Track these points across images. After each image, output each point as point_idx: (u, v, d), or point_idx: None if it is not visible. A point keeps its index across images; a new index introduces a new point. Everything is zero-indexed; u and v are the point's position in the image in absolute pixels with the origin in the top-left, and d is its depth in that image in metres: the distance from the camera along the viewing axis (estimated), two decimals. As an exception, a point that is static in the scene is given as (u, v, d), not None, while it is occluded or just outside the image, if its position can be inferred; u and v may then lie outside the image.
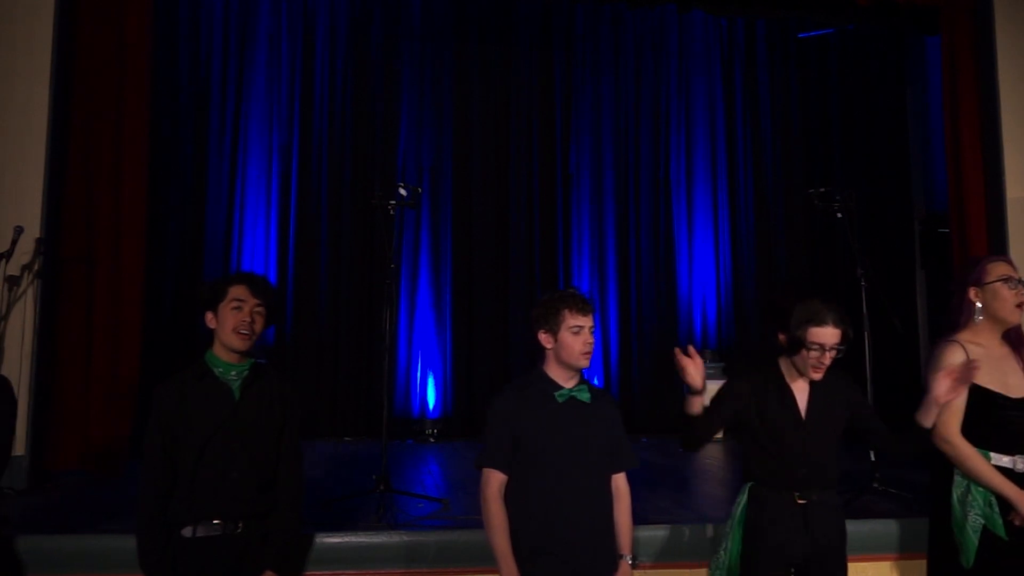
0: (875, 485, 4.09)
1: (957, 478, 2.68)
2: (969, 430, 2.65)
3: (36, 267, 4.49)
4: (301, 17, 7.31)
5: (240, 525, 2.56)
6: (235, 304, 2.61)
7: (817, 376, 2.60)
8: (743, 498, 2.69)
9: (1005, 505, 2.59)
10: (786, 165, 7.95)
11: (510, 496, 2.57)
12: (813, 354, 2.55)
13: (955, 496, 2.67)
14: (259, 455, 2.62)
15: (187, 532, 2.52)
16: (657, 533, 3.38)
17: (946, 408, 2.64)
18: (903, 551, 3.47)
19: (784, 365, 2.69)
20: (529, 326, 2.70)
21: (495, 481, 2.57)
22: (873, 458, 4.23)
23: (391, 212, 4.40)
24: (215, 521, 2.53)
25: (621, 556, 2.64)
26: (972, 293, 2.73)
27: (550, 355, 2.65)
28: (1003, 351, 2.72)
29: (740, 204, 7.94)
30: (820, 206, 4.76)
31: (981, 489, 2.62)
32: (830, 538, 2.63)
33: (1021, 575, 2.60)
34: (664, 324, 7.64)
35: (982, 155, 5.40)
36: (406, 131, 7.41)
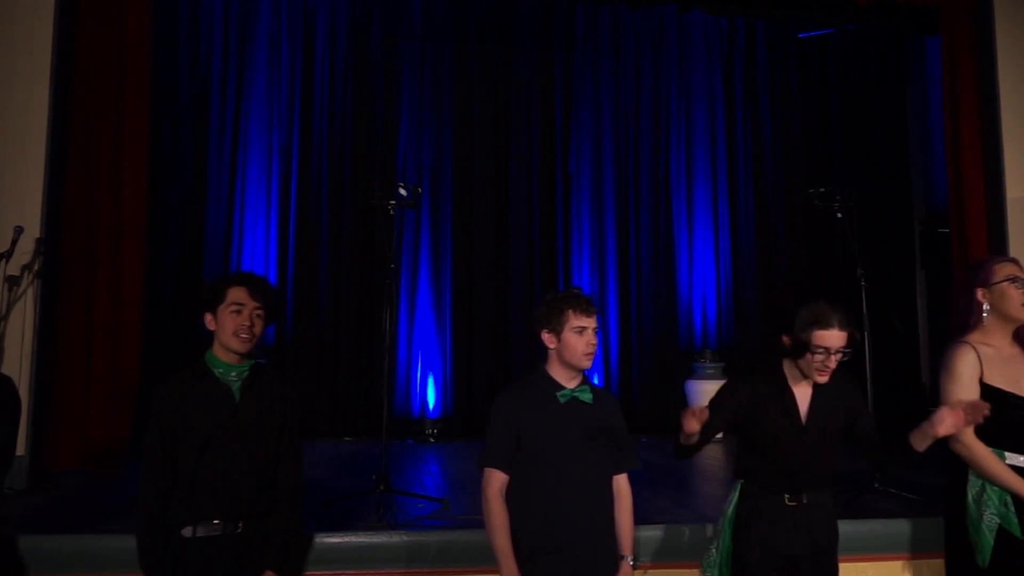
0: (875, 485, 4.09)
1: (972, 478, 2.68)
2: (982, 430, 2.65)
3: (36, 267, 4.49)
4: (301, 17, 7.31)
5: (240, 525, 2.56)
6: (234, 307, 2.60)
7: (823, 379, 2.56)
8: (734, 496, 2.68)
9: (1021, 504, 2.60)
10: (786, 165, 7.95)
11: (511, 496, 2.57)
12: (818, 357, 2.51)
13: (970, 496, 2.67)
14: (259, 455, 2.62)
15: (187, 532, 2.52)
16: (657, 533, 3.38)
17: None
18: (904, 551, 3.47)
19: (787, 367, 2.66)
20: (529, 326, 2.70)
21: (496, 481, 2.58)
22: (873, 458, 4.23)
23: (391, 212, 4.40)
24: (215, 521, 2.53)
25: (622, 557, 2.64)
26: (979, 294, 2.74)
27: (553, 355, 2.65)
28: (1013, 351, 2.72)
29: (740, 204, 7.94)
30: (820, 206, 4.76)
31: (996, 488, 2.63)
32: (822, 537, 2.63)
33: None
34: (664, 324, 7.64)
35: (982, 155, 5.40)
36: (406, 131, 7.41)
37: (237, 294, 2.62)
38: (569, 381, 2.65)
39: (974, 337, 2.73)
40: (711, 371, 7.10)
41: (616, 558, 2.62)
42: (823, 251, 7.75)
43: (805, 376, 2.62)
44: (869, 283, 4.55)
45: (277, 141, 7.18)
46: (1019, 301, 2.67)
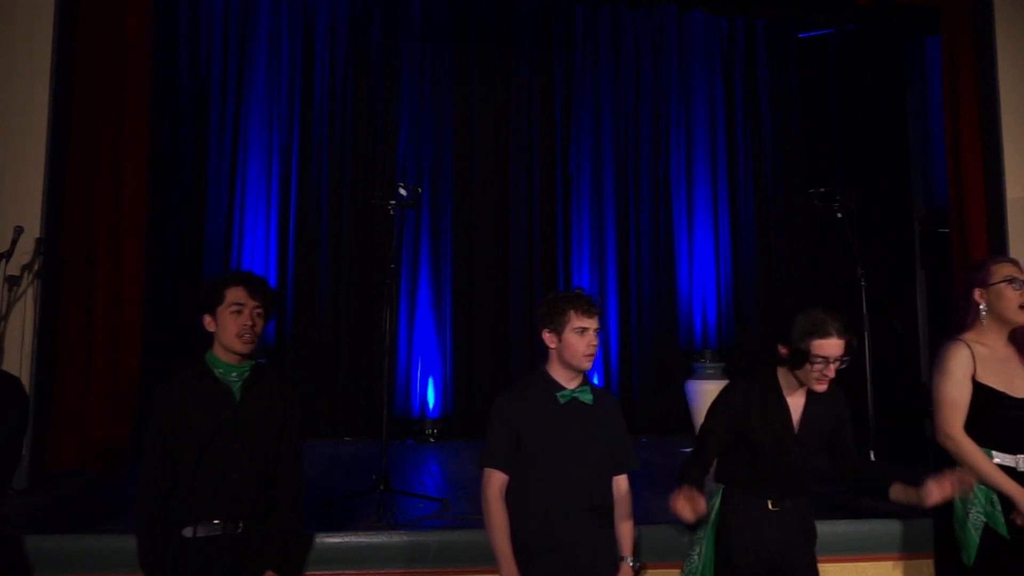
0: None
1: None
2: (973, 428, 2.66)
3: (36, 267, 4.48)
4: (301, 17, 7.31)
5: (240, 525, 2.56)
6: (234, 308, 2.60)
7: (822, 388, 2.51)
8: (716, 501, 2.66)
9: (1007, 503, 2.60)
10: (786, 165, 7.95)
11: (511, 496, 2.58)
12: (817, 367, 2.47)
13: None
14: (259, 455, 2.62)
15: (188, 532, 2.52)
16: (657, 533, 3.38)
17: (950, 406, 2.66)
18: (904, 551, 3.47)
19: (782, 376, 2.63)
20: (530, 326, 2.71)
21: (496, 481, 2.58)
22: (873, 457, 4.23)
23: (391, 212, 4.40)
24: (215, 521, 2.54)
25: (622, 558, 2.64)
26: (977, 294, 2.75)
27: (553, 355, 2.65)
28: (1008, 352, 2.73)
29: (740, 204, 7.94)
30: (820, 206, 4.76)
31: (983, 487, 2.63)
32: (804, 540, 2.64)
33: (1022, 573, 2.61)
34: (664, 324, 7.64)
35: (982, 155, 5.40)
36: (406, 131, 7.40)
37: (236, 294, 2.62)
38: (569, 381, 2.65)
39: (969, 336, 2.74)
40: (711, 371, 7.09)
41: (616, 559, 2.63)
42: (823, 251, 7.74)
43: (801, 385, 2.59)
44: (869, 283, 4.55)
45: (277, 141, 7.18)
46: (1016, 302, 2.68)
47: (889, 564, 3.47)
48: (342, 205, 7.22)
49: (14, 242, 4.33)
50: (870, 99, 7.83)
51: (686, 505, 2.29)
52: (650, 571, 3.33)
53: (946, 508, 2.72)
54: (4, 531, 2.97)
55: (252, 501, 2.59)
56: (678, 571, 3.31)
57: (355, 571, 3.24)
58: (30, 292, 4.48)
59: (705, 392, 6.40)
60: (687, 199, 7.88)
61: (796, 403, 2.63)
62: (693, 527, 2.68)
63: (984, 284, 2.74)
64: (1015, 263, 2.77)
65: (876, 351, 4.60)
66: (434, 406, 7.12)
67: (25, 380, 4.35)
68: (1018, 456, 2.64)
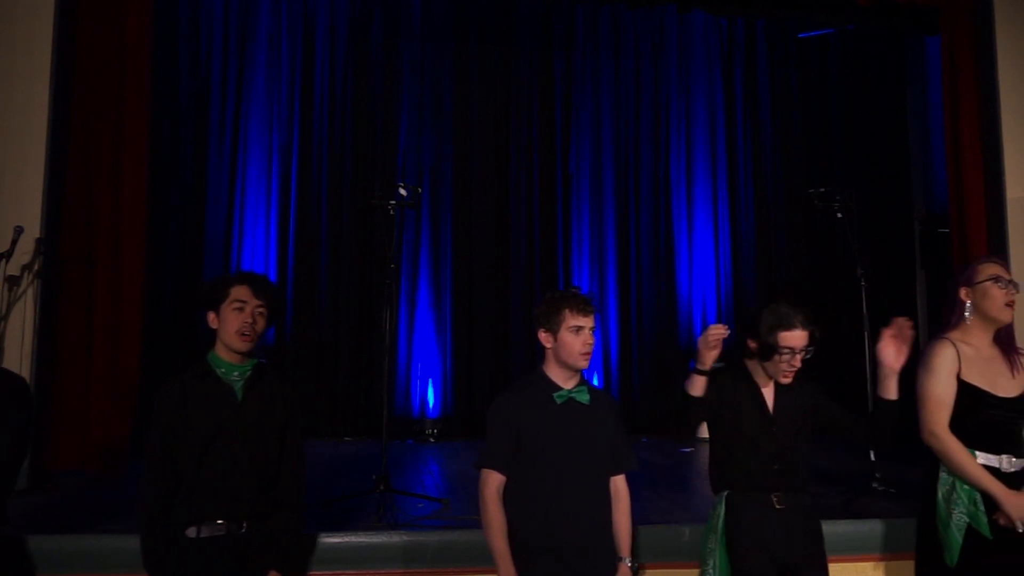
0: (875, 485, 4.09)
1: (943, 475, 2.68)
2: (957, 427, 2.66)
3: (36, 267, 4.48)
4: (301, 17, 7.31)
5: (244, 525, 2.56)
6: (237, 305, 2.60)
7: (787, 380, 2.65)
8: (720, 509, 2.67)
9: (991, 504, 2.60)
10: (786, 165, 7.95)
11: (509, 497, 2.57)
12: (784, 358, 2.59)
13: (940, 493, 2.68)
14: (261, 455, 2.62)
15: (191, 532, 2.52)
16: (657, 533, 3.38)
17: (935, 403, 2.67)
18: (904, 551, 3.46)
19: (751, 367, 2.73)
20: (530, 326, 2.70)
21: (494, 482, 2.57)
22: (873, 458, 4.23)
23: (391, 212, 4.40)
24: (219, 521, 2.53)
25: (620, 558, 2.63)
26: (963, 292, 2.76)
27: (550, 355, 2.65)
28: (993, 352, 2.74)
29: (740, 204, 7.94)
30: (820, 206, 4.76)
31: (967, 487, 2.63)
32: (812, 540, 2.64)
33: (1005, 574, 2.60)
34: (664, 324, 7.64)
35: (982, 155, 5.39)
36: (406, 131, 7.40)
37: (240, 292, 2.62)
38: (566, 381, 2.65)
39: (955, 335, 2.75)
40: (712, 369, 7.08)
41: (614, 559, 2.62)
42: (823, 251, 7.74)
43: (770, 378, 2.69)
44: (869, 283, 4.55)
45: (277, 141, 7.18)
46: (1001, 301, 2.69)
47: (888, 564, 3.47)
48: (342, 205, 7.22)
49: (14, 242, 4.33)
50: (870, 99, 7.82)
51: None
52: (648, 571, 3.33)
53: (929, 509, 2.72)
54: (5, 531, 2.97)
55: (255, 501, 2.59)
56: (677, 571, 3.33)
57: (355, 571, 3.24)
58: (30, 292, 4.48)
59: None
60: (687, 199, 7.88)
61: (767, 390, 2.73)
62: (703, 534, 2.75)
63: (970, 283, 2.75)
64: (1002, 263, 2.78)
65: (876, 351, 4.59)
66: (434, 406, 7.12)
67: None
68: (1002, 456, 2.64)
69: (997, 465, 2.64)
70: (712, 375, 2.79)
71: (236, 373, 2.64)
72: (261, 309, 2.64)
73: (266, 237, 7.09)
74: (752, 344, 2.67)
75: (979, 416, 2.64)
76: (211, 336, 2.68)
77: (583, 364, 2.62)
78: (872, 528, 3.51)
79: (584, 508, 2.55)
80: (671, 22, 7.87)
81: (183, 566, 2.50)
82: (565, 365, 2.62)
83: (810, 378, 2.78)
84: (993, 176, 5.33)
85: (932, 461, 2.73)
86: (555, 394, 2.62)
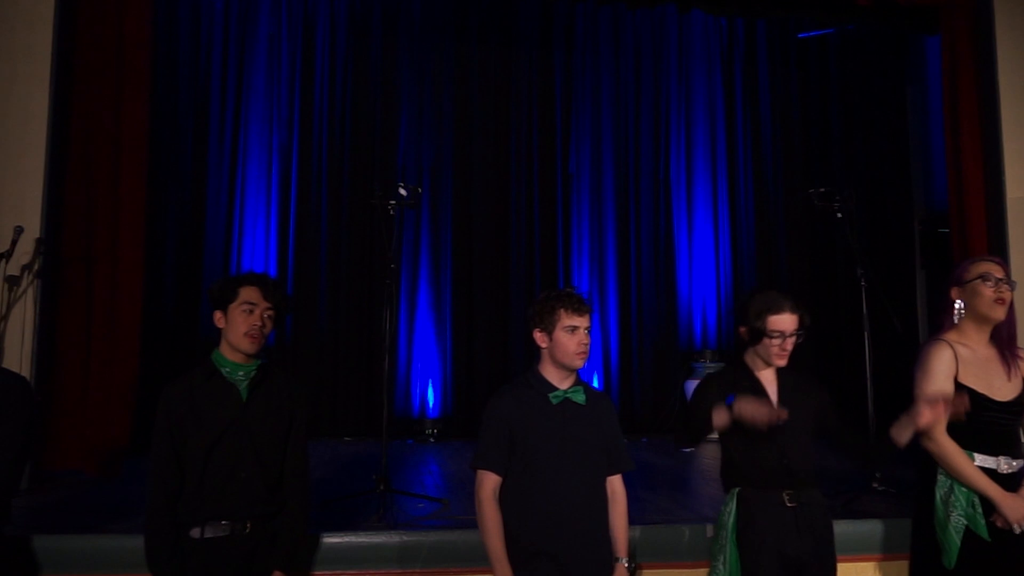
0: (875, 485, 4.09)
1: (940, 478, 2.68)
2: (954, 429, 2.65)
3: (36, 267, 4.48)
4: (301, 17, 7.31)
5: (248, 526, 2.55)
6: (246, 307, 2.60)
7: (781, 363, 2.65)
8: (731, 507, 2.65)
9: (988, 506, 2.59)
10: (786, 165, 7.96)
11: (505, 498, 2.57)
12: (775, 341, 2.61)
13: (938, 496, 2.67)
14: (267, 456, 2.61)
15: (195, 533, 2.51)
16: (657, 533, 3.38)
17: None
18: (904, 551, 3.45)
19: (750, 358, 2.73)
20: (527, 325, 2.69)
21: (489, 483, 2.57)
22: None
23: (391, 212, 4.40)
24: (223, 522, 2.53)
25: (617, 559, 2.63)
26: (954, 292, 2.75)
27: (545, 355, 2.64)
28: (989, 353, 2.72)
29: (740, 204, 7.94)
30: (820, 206, 4.76)
31: (964, 489, 2.62)
32: (823, 537, 2.64)
33: None
34: (664, 324, 7.65)
35: (982, 155, 5.40)
36: (406, 131, 7.41)
37: (249, 293, 2.61)
38: (562, 382, 2.64)
39: (951, 336, 2.74)
40: (711, 371, 7.09)
41: (611, 560, 2.62)
42: (823, 251, 7.75)
43: (767, 365, 2.69)
44: (869, 283, 4.54)
45: (277, 141, 7.18)
46: (990, 298, 2.67)
47: (888, 564, 3.47)
48: (342, 205, 7.22)
49: (14, 242, 4.33)
50: (870, 99, 7.82)
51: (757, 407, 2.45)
52: (646, 571, 3.32)
53: (925, 511, 2.72)
54: (8, 531, 2.97)
55: (260, 501, 2.58)
56: (677, 571, 3.33)
57: (355, 571, 3.24)
58: (30, 292, 4.47)
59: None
60: (687, 199, 7.89)
61: (770, 382, 2.71)
62: (714, 531, 2.74)
63: (960, 282, 2.74)
64: (995, 262, 2.76)
65: (876, 351, 4.60)
66: (434, 406, 7.12)
67: (25, 380, 4.35)
68: (999, 458, 2.64)
69: (995, 467, 2.63)
70: (714, 374, 2.81)
71: (241, 373, 2.63)
72: (270, 311, 2.63)
73: (266, 237, 7.09)
74: (742, 330, 2.69)
75: (976, 419, 2.63)
76: (211, 336, 2.68)
77: (579, 364, 2.61)
78: (872, 528, 3.50)
79: (580, 509, 2.54)
80: (671, 22, 7.88)
81: (188, 567, 2.50)
82: (561, 365, 2.61)
83: (813, 376, 2.78)
84: (993, 176, 5.33)
85: (927, 463, 2.72)
86: (551, 394, 2.61)
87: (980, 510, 2.60)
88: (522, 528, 2.52)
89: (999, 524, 2.58)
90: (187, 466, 2.55)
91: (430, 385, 7.17)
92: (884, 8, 5.76)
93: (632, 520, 2.74)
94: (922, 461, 2.76)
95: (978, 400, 2.63)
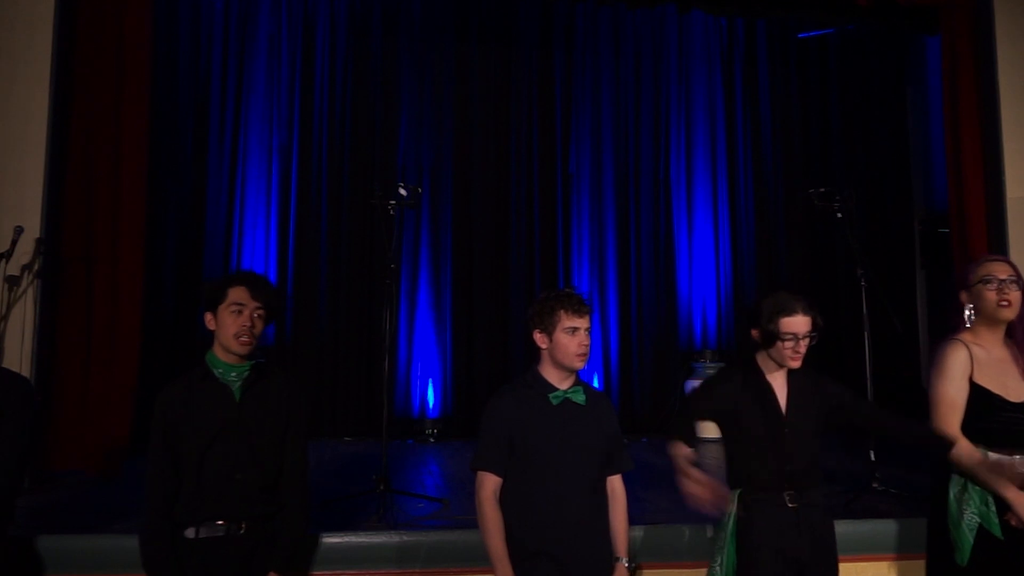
0: (875, 485, 4.09)
1: (954, 476, 2.68)
2: (969, 429, 2.66)
3: (36, 267, 4.48)
4: (301, 17, 7.31)
5: (243, 526, 2.55)
6: (235, 308, 2.59)
7: (796, 364, 2.62)
8: (732, 507, 2.64)
9: (1002, 504, 2.60)
10: (786, 165, 7.95)
11: (505, 498, 2.57)
12: (788, 344, 2.58)
13: (952, 494, 2.68)
14: (262, 456, 2.61)
15: (190, 533, 2.51)
16: (657, 533, 3.38)
17: (947, 406, 2.66)
18: (904, 551, 3.47)
19: (761, 360, 2.70)
20: (527, 326, 2.69)
21: (489, 484, 2.57)
22: (873, 458, 4.23)
23: (391, 212, 4.40)
24: (218, 522, 2.53)
25: (617, 558, 2.62)
26: (963, 296, 2.76)
27: (545, 355, 2.64)
28: (1003, 354, 2.73)
29: (740, 204, 7.94)
30: (820, 206, 4.76)
31: (978, 488, 2.63)
32: (823, 538, 2.63)
33: (1016, 574, 2.60)
34: (664, 324, 7.64)
35: (982, 155, 5.40)
36: (406, 131, 7.40)
37: (238, 294, 2.60)
38: (562, 382, 2.64)
39: (966, 337, 2.74)
40: (711, 371, 7.09)
41: (611, 560, 2.62)
42: (823, 251, 7.75)
43: (780, 366, 2.66)
44: (869, 283, 4.54)
45: (277, 141, 7.18)
46: (993, 300, 2.68)
47: (888, 564, 3.47)
48: (342, 205, 7.22)
49: (14, 242, 4.33)
50: (870, 99, 7.83)
51: (705, 491, 2.43)
52: (646, 571, 3.32)
53: (939, 509, 2.72)
54: (12, 531, 2.97)
55: (256, 502, 2.58)
56: (677, 571, 3.33)
57: (355, 571, 3.24)
58: (30, 292, 4.48)
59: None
60: (687, 199, 7.89)
61: (780, 386, 2.69)
62: (714, 532, 2.74)
63: (967, 286, 2.75)
64: (1000, 261, 2.75)
65: (876, 351, 4.60)
66: (434, 406, 7.12)
67: (25, 380, 4.35)
68: (1014, 457, 2.64)
69: None
70: (721, 374, 2.80)
71: (234, 374, 2.63)
72: (259, 311, 2.62)
73: (266, 237, 7.09)
74: (755, 333, 2.66)
75: (991, 419, 2.64)
76: (211, 336, 2.67)
77: (579, 365, 2.61)
78: (873, 528, 3.51)
79: (580, 508, 2.54)
80: (671, 22, 7.88)
81: (184, 568, 2.50)
82: (561, 366, 2.61)
83: (824, 376, 2.77)
84: (993, 176, 5.33)
85: (941, 462, 2.72)
86: (551, 395, 2.61)
87: (994, 508, 2.60)
88: (522, 528, 2.53)
89: (1013, 523, 2.58)
90: (183, 467, 2.54)
91: (430, 385, 7.17)
92: (884, 8, 5.76)
93: (632, 520, 2.74)
94: (936, 459, 2.76)
95: (993, 400, 2.64)
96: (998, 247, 5.16)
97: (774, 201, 7.91)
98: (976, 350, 2.70)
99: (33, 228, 4.47)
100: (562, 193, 7.66)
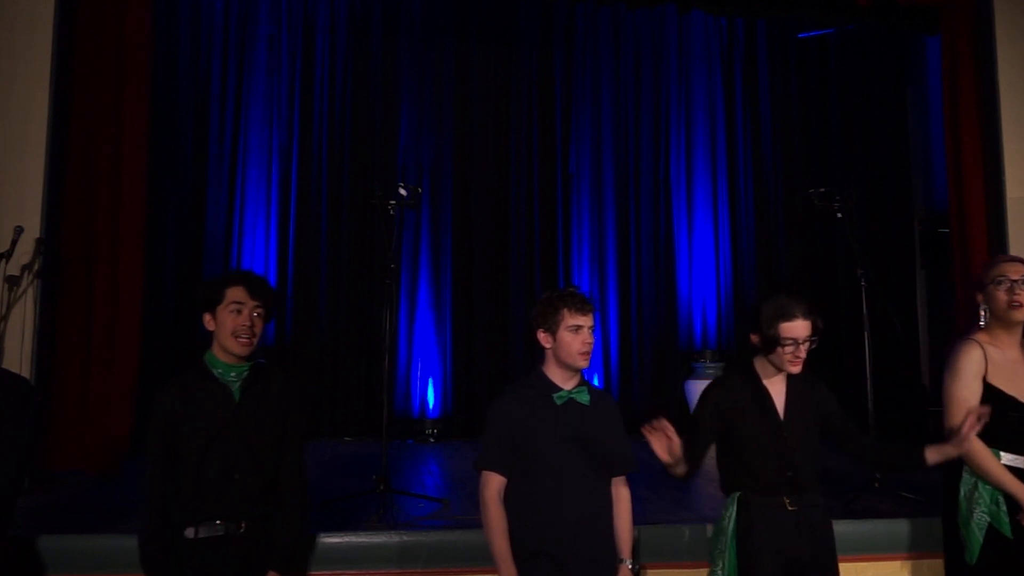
0: (875, 485, 4.09)
1: (965, 475, 2.69)
2: (982, 429, 2.65)
3: (36, 267, 4.48)
4: (301, 17, 7.31)
5: (242, 526, 2.55)
6: (234, 307, 2.58)
7: (796, 369, 2.59)
8: (731, 511, 2.63)
9: (1013, 504, 2.60)
10: (786, 165, 7.95)
11: (509, 498, 2.57)
12: (788, 349, 2.55)
13: (962, 493, 2.68)
14: (261, 456, 2.61)
15: (189, 533, 2.51)
16: (657, 533, 3.38)
17: (959, 405, 2.65)
18: (904, 551, 3.47)
19: (759, 364, 2.68)
20: (529, 325, 2.69)
21: (494, 484, 2.57)
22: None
23: (391, 212, 4.40)
24: (217, 522, 2.53)
25: (621, 560, 2.62)
26: (979, 297, 2.75)
27: (549, 355, 2.64)
28: (1019, 354, 2.72)
29: (740, 204, 7.94)
30: (820, 206, 4.76)
31: (989, 487, 2.63)
32: (823, 540, 2.63)
33: None
34: (664, 324, 7.64)
35: (982, 155, 5.39)
36: (406, 131, 7.40)
37: (236, 293, 2.60)
38: (566, 382, 2.64)
39: (981, 336, 2.74)
40: (711, 371, 7.09)
41: (615, 561, 2.61)
42: (823, 251, 7.74)
43: (779, 371, 2.64)
44: (869, 283, 4.54)
45: (277, 141, 7.18)
46: (1004, 301, 2.67)
47: (888, 564, 3.47)
48: (342, 205, 7.22)
49: (14, 242, 4.33)
50: (870, 99, 7.82)
51: (660, 440, 2.40)
52: (649, 571, 3.33)
53: (950, 507, 2.73)
54: (10, 531, 2.97)
55: (254, 501, 2.58)
56: (678, 571, 3.33)
57: (355, 571, 3.24)
58: (30, 292, 4.48)
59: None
60: (687, 199, 7.89)
61: (778, 391, 2.66)
62: (713, 534, 2.72)
63: (981, 286, 2.75)
64: (1013, 262, 2.73)
65: (876, 351, 4.60)
66: (434, 406, 7.12)
67: (25, 380, 4.35)
68: None
69: (1022, 466, 2.64)
70: (718, 382, 2.78)
71: (233, 374, 2.62)
72: (259, 310, 2.61)
73: (266, 237, 7.09)
74: (754, 338, 2.63)
75: (1004, 420, 2.63)
76: (211, 336, 2.67)
77: (583, 364, 2.61)
78: (873, 528, 3.51)
79: (583, 510, 2.54)
80: (671, 22, 7.88)
81: (184, 567, 2.50)
82: (565, 365, 2.61)
83: (823, 380, 2.75)
84: (993, 176, 5.33)
85: (953, 461, 2.71)
86: (555, 395, 2.60)
87: (1004, 508, 2.61)
88: (522, 528, 2.52)
89: (1023, 523, 2.58)
90: (181, 467, 2.54)
91: (430, 385, 7.17)
92: (884, 8, 5.76)
93: (633, 520, 2.74)
94: (948, 459, 2.75)
95: (1006, 402, 2.64)
96: (998, 247, 5.16)
97: (774, 201, 7.91)
98: (991, 351, 2.69)
99: (33, 228, 4.47)
100: (562, 193, 7.66)
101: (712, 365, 7.20)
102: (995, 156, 5.32)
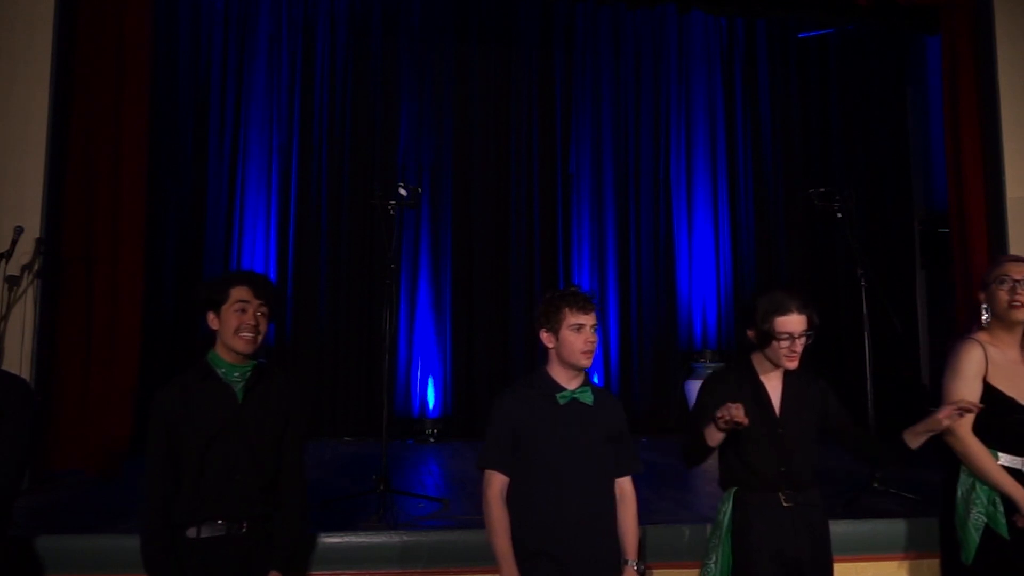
0: (875, 485, 4.09)
1: (962, 475, 2.69)
2: (980, 429, 2.65)
3: (36, 267, 4.48)
4: (301, 17, 7.31)
5: (244, 526, 2.55)
6: (239, 307, 2.59)
7: (792, 365, 2.59)
8: (727, 506, 2.64)
9: (1010, 505, 2.60)
10: (786, 165, 7.95)
11: (512, 498, 2.56)
12: (784, 343, 2.55)
13: (959, 493, 2.68)
14: (262, 456, 2.61)
15: (191, 533, 2.51)
16: (658, 533, 3.38)
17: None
18: (903, 551, 3.47)
19: (757, 361, 2.68)
20: (529, 325, 2.70)
21: (496, 483, 2.57)
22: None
23: (391, 212, 4.40)
24: (219, 522, 2.53)
25: (626, 561, 2.62)
26: (981, 296, 2.75)
27: (552, 355, 2.64)
28: (1018, 355, 2.72)
29: (740, 204, 7.94)
30: (820, 206, 4.76)
31: (985, 488, 2.63)
32: (819, 538, 2.63)
33: (1021, 574, 2.61)
34: (664, 324, 7.64)
35: (982, 155, 5.39)
36: (406, 131, 7.40)
37: (241, 292, 2.60)
38: (569, 382, 2.64)
39: (983, 336, 2.73)
40: (711, 371, 7.08)
41: (618, 562, 2.61)
42: (823, 251, 7.74)
43: (776, 366, 2.64)
44: (869, 283, 4.54)
45: (277, 141, 7.18)
46: (1005, 301, 2.67)
47: (888, 564, 3.47)
48: (342, 205, 7.22)
49: (14, 242, 4.33)
50: (870, 99, 7.83)
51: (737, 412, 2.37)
52: (654, 572, 3.32)
53: (949, 507, 2.73)
54: (12, 532, 2.97)
55: (256, 501, 2.58)
56: (678, 571, 3.33)
57: (355, 571, 3.24)
58: (30, 292, 4.47)
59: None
60: (687, 199, 7.89)
61: (774, 386, 2.67)
62: (710, 529, 2.72)
63: (984, 286, 2.74)
64: (1016, 262, 2.72)
65: (876, 351, 4.60)
66: (434, 406, 7.12)
67: (25, 380, 4.35)
68: None
69: (1020, 467, 2.64)
70: (716, 376, 2.79)
71: (237, 374, 2.62)
72: (263, 309, 2.62)
73: (266, 237, 7.09)
74: (750, 333, 2.63)
75: (1003, 421, 2.63)
76: (211, 336, 2.67)
77: (586, 363, 2.60)
78: (873, 528, 3.51)
79: (584, 510, 2.53)
80: (671, 22, 7.88)
81: (184, 567, 2.50)
82: (568, 364, 2.61)
83: (821, 377, 2.75)
84: (993, 176, 5.33)
85: (952, 461, 2.72)
86: (558, 395, 2.60)
87: (1001, 508, 2.61)
88: (522, 528, 2.52)
89: (1020, 524, 2.58)
90: (183, 467, 2.54)
91: (430, 385, 7.17)
92: (884, 8, 5.76)
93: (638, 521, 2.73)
94: (947, 459, 2.75)
95: (1006, 403, 2.63)
96: (998, 247, 5.16)
97: (774, 201, 7.91)
98: (992, 351, 2.69)
99: (33, 228, 4.47)
100: (562, 193, 7.66)
101: (712, 365, 7.20)
102: (995, 156, 5.32)
